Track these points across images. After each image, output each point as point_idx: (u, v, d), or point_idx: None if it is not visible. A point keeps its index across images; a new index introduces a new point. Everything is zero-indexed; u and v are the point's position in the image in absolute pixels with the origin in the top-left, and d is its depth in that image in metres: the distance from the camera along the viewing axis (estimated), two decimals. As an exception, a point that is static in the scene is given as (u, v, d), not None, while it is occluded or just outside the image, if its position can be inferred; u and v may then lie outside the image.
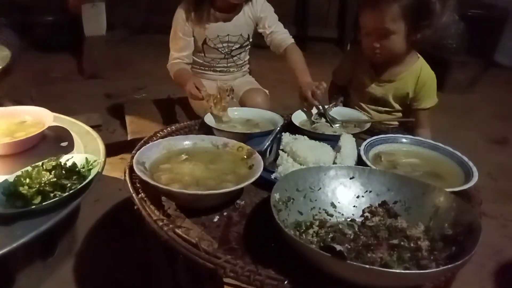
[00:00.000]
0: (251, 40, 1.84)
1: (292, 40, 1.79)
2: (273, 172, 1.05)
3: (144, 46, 3.82)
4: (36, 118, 1.38)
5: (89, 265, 1.32)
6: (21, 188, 1.01)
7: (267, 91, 1.84)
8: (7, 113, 1.38)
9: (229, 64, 1.84)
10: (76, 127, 1.47)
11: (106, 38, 3.15)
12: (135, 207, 0.94)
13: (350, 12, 4.35)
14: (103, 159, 1.18)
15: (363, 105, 1.62)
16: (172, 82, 2.69)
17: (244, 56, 1.90)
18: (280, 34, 1.77)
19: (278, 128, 1.23)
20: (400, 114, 1.61)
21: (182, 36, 1.71)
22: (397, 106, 1.59)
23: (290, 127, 1.30)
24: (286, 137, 1.19)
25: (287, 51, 1.75)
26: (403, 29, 1.41)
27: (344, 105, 1.56)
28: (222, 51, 1.77)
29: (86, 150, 1.33)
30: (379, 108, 1.60)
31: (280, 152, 1.10)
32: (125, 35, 3.94)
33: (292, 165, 1.05)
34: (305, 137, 1.16)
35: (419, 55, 1.55)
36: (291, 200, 0.88)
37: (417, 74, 1.52)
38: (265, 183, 0.99)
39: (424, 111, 1.57)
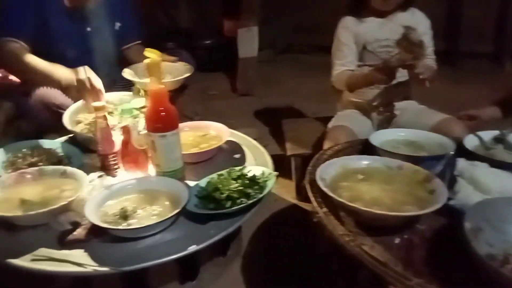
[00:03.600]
0: None
1: (435, 67, 1.74)
2: (450, 198, 1.02)
3: (289, 66, 4.03)
4: (216, 132, 1.58)
5: (254, 267, 1.45)
6: (214, 193, 1.18)
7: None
8: (194, 126, 1.62)
9: None
10: (245, 141, 1.64)
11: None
12: (315, 220, 1.01)
13: (510, 24, 3.91)
14: (276, 173, 1.30)
15: None
16: (315, 100, 2.78)
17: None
18: (428, 59, 1.72)
19: (452, 152, 1.19)
20: None
21: (344, 42, 1.76)
22: None
23: (462, 152, 1.24)
24: (462, 162, 1.14)
25: None
26: None
27: None
28: (381, 56, 1.74)
29: (256, 162, 1.48)
30: None
31: (459, 178, 1.07)
32: (271, 55, 4.22)
33: (473, 192, 1.00)
34: (487, 164, 1.10)
35: None
36: (480, 231, 0.84)
37: None
38: (443, 209, 0.97)
39: None
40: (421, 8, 1.82)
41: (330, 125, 1.74)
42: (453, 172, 1.12)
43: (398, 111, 1.73)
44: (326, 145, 1.56)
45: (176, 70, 1.86)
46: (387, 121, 1.71)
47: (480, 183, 1.02)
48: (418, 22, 1.75)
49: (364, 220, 0.94)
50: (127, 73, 1.73)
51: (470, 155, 1.21)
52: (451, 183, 1.08)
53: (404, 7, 1.75)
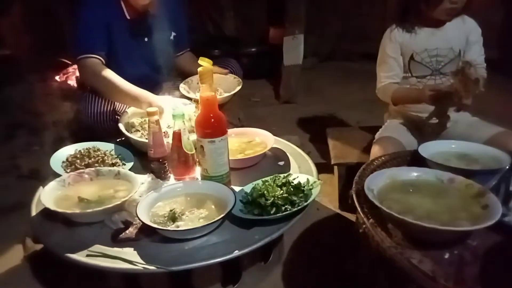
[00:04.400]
0: (463, 56, 1.72)
1: (485, 76, 1.67)
2: (504, 214, 0.98)
3: (332, 73, 4.00)
4: (261, 139, 1.61)
5: (295, 275, 1.45)
6: (259, 199, 1.19)
7: None
8: (240, 133, 1.65)
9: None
10: (289, 148, 1.65)
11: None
12: (361, 230, 1.00)
13: None
14: (320, 181, 1.30)
15: None
16: (359, 109, 2.75)
17: None
18: (480, 68, 1.66)
19: (507, 166, 1.14)
20: None
21: (390, 55, 1.72)
22: None
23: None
24: (518, 178, 1.09)
25: None
26: None
27: None
28: (430, 67, 1.71)
29: (300, 170, 1.49)
30: None
31: (515, 194, 1.02)
32: (314, 62, 4.20)
33: (531, 210, 0.96)
34: (546, 180, 1.04)
35: None
36: (538, 250, 0.80)
37: None
38: (497, 225, 0.93)
39: None
40: (476, 15, 1.76)
41: (377, 135, 1.71)
42: (509, 187, 1.08)
43: (449, 123, 1.67)
44: (373, 155, 1.54)
45: (226, 82, 1.91)
46: (437, 133, 1.66)
47: (538, 200, 0.97)
48: (469, 29, 1.69)
49: (413, 233, 0.92)
50: (183, 89, 1.81)
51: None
52: (506, 199, 1.04)
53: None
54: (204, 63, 1.26)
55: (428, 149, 1.31)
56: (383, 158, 1.30)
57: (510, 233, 0.89)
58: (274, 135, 1.64)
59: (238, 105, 3.06)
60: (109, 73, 1.67)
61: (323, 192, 1.97)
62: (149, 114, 1.31)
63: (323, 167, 2.16)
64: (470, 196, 0.98)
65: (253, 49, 4.09)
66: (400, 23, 1.72)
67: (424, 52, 1.69)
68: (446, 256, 0.87)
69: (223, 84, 1.93)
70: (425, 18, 1.66)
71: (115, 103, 1.78)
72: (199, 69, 1.21)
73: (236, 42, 4.17)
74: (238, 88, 1.86)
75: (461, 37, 1.69)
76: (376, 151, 1.56)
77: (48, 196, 1.19)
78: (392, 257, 0.85)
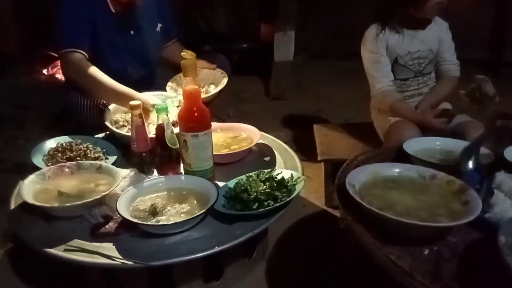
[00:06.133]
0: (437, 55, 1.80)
1: (457, 74, 1.79)
2: (485, 211, 0.98)
3: (323, 71, 4.00)
4: (247, 134, 1.60)
5: (278, 271, 1.44)
6: (241, 194, 1.18)
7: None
8: (225, 128, 1.64)
9: (420, 86, 1.78)
10: (275, 144, 1.64)
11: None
12: (341, 226, 1.00)
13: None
14: (304, 177, 1.29)
15: None
16: (349, 107, 2.76)
17: (434, 76, 1.85)
18: (449, 64, 1.78)
19: (490, 164, 1.14)
20: None
21: (381, 53, 1.73)
22: None
23: (501, 164, 1.18)
24: (501, 175, 1.09)
25: (443, 79, 1.79)
26: None
27: None
28: (413, 69, 1.74)
29: (286, 166, 1.48)
30: None
31: (496, 191, 1.02)
32: (305, 60, 4.19)
33: (511, 206, 0.96)
34: (528, 177, 1.05)
35: None
36: (515, 246, 0.80)
37: None
38: (478, 222, 0.93)
39: None
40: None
41: (392, 120, 1.73)
42: (491, 184, 1.08)
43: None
44: (390, 140, 1.58)
45: (213, 77, 1.90)
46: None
47: (519, 197, 0.97)
48: (440, 27, 1.76)
49: (393, 229, 0.92)
50: (169, 88, 1.80)
51: (511, 168, 1.16)
52: (488, 195, 1.04)
53: None
54: (187, 55, 1.24)
55: (413, 145, 1.31)
56: (367, 154, 1.29)
57: (490, 229, 0.88)
58: (262, 131, 1.63)
59: (227, 101, 3.05)
60: (93, 70, 1.63)
61: (309, 188, 1.97)
62: (132, 107, 1.29)
63: (310, 164, 2.16)
64: (451, 192, 0.98)
65: (244, 45, 4.09)
66: (386, 26, 1.73)
67: (407, 55, 1.72)
68: (425, 252, 0.87)
69: (211, 79, 1.92)
70: (410, 19, 1.67)
71: None
72: (182, 62, 1.19)
73: (227, 38, 4.16)
74: (224, 83, 1.84)
75: (436, 37, 1.76)
76: (392, 135, 1.61)
77: (27, 190, 1.17)
78: (370, 252, 0.84)
